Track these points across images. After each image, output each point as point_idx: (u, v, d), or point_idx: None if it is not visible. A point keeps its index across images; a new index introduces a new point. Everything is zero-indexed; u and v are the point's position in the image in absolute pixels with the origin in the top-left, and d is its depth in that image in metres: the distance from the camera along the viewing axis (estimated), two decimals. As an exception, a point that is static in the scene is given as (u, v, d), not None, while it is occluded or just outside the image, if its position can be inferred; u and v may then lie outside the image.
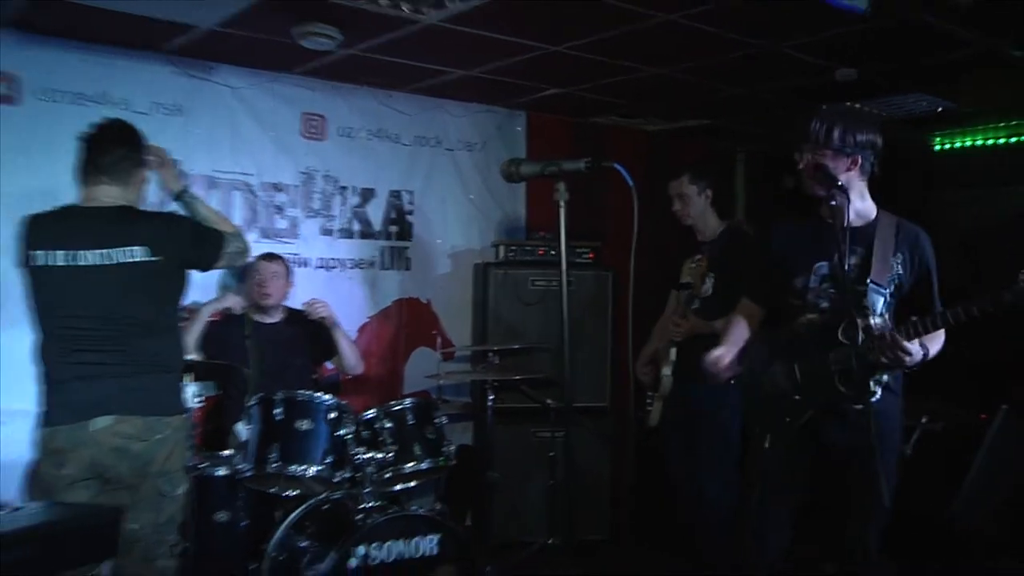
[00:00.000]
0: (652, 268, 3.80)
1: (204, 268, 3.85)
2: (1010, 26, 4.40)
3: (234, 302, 5.08)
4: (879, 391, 3.39)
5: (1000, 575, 4.32)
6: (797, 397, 3.52)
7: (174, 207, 3.98)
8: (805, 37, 4.59)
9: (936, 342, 3.31)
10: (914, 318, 3.21)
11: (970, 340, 3.34)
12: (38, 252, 3.46)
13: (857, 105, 5.89)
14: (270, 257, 5.19)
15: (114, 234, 3.47)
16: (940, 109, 6.14)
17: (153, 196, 4.26)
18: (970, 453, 4.24)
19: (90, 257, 3.43)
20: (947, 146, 7.00)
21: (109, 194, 3.57)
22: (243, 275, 5.11)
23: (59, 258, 3.43)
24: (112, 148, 3.60)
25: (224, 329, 5.09)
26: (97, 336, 3.44)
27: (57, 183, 4.84)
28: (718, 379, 3.69)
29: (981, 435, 4.30)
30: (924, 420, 4.48)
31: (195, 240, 3.71)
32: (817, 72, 5.18)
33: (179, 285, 3.73)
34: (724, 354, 3.68)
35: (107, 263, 3.44)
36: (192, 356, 4.76)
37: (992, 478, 4.23)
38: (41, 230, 3.52)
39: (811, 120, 3.43)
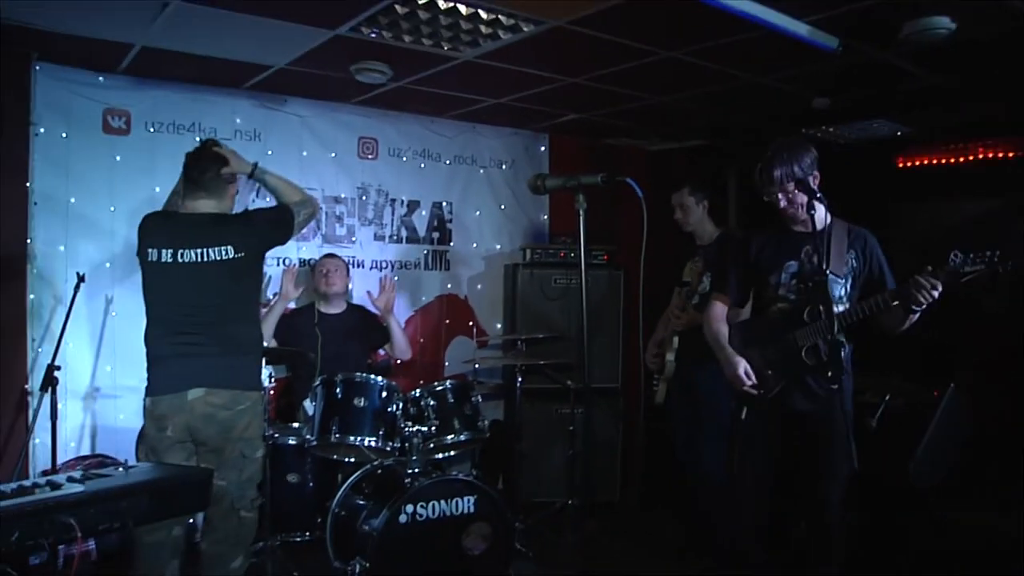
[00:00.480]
0: (657, 268, 3.81)
1: (284, 242, 3.87)
2: (951, 65, 4.42)
3: (295, 293, 5.17)
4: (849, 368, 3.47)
5: (949, 520, 4.35)
6: (769, 372, 3.59)
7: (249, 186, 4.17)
8: (787, 72, 4.61)
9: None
10: (876, 295, 3.32)
11: (924, 327, 3.35)
12: (151, 249, 3.56)
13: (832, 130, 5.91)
14: (331, 255, 5.35)
15: (209, 236, 3.56)
16: (900, 133, 6.13)
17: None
18: (925, 423, 4.27)
19: (190, 255, 3.53)
20: (906, 165, 6.98)
21: (206, 206, 3.66)
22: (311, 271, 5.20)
23: (167, 255, 3.54)
24: (207, 167, 3.68)
25: (296, 319, 5.17)
26: (193, 321, 3.52)
27: (161, 197, 5.05)
28: (756, 388, 3.60)
29: (934, 408, 4.33)
30: (887, 397, 4.49)
31: (271, 226, 3.78)
32: (797, 101, 5.19)
33: (258, 277, 3.83)
34: (739, 367, 3.62)
35: (203, 260, 3.53)
36: (269, 343, 4.86)
37: (942, 444, 4.26)
38: (153, 231, 3.62)
39: (771, 169, 3.50)
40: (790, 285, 3.58)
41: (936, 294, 3.11)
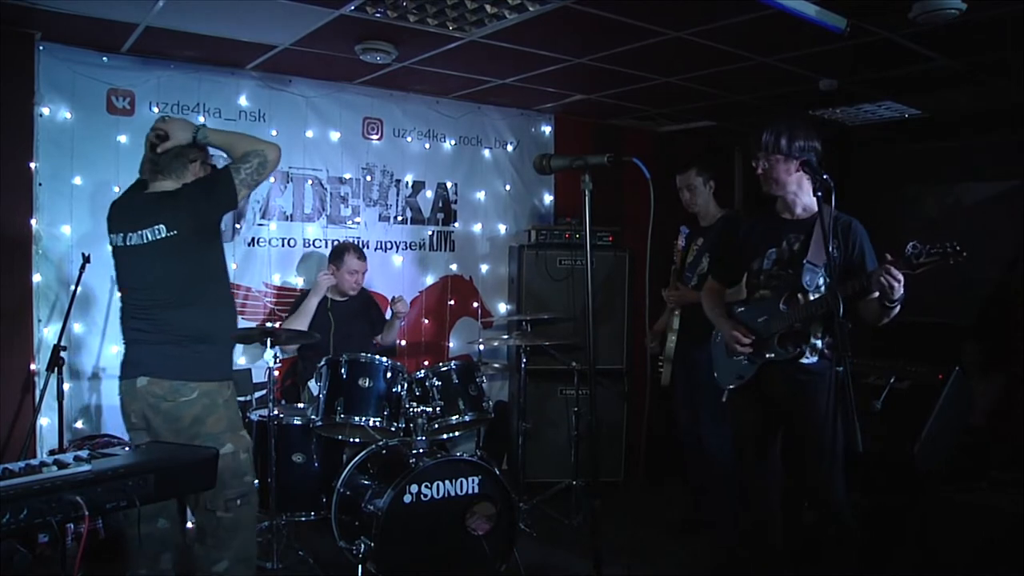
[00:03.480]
0: (662, 249, 3.81)
1: (232, 206, 3.42)
2: (965, 48, 4.39)
3: (328, 282, 5.13)
4: (815, 357, 3.50)
5: (950, 502, 4.38)
6: (745, 361, 3.64)
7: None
8: (793, 52, 4.58)
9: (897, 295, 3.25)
10: (852, 279, 3.32)
11: (931, 311, 3.36)
12: (110, 235, 3.46)
13: (818, 112, 5.90)
14: (362, 256, 5.21)
15: (146, 217, 3.32)
16: (907, 115, 6.10)
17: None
18: (929, 406, 4.28)
19: (133, 238, 3.34)
20: (913, 147, 6.97)
21: (164, 186, 3.42)
22: (338, 263, 5.14)
23: (118, 239, 3.41)
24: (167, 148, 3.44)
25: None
26: (139, 307, 3.38)
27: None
28: (752, 348, 3.62)
29: (939, 391, 4.34)
30: (892, 380, 4.50)
31: (203, 195, 3.37)
32: (803, 82, 5.16)
33: (207, 256, 3.43)
34: (734, 332, 3.63)
35: (143, 243, 3.32)
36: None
37: (946, 426, 4.27)
38: (112, 216, 3.50)
39: (762, 131, 3.48)
40: (770, 271, 3.60)
41: (898, 283, 3.12)
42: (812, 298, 3.42)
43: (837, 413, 3.31)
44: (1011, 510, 4.24)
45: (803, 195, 3.56)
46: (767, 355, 3.56)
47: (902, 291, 3.14)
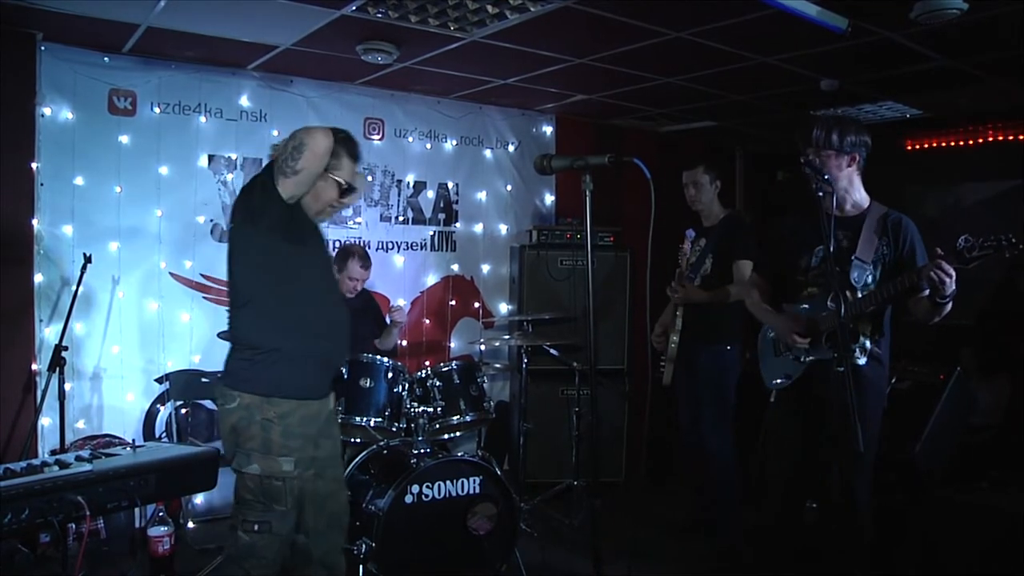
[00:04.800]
0: (663, 249, 3.80)
1: (282, 195, 3.01)
2: (966, 48, 4.39)
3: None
4: (864, 358, 3.43)
5: (949, 502, 4.38)
6: (792, 358, 3.57)
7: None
8: (794, 52, 4.58)
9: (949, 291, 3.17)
10: (890, 281, 3.25)
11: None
12: None
13: (839, 112, 5.88)
14: (366, 265, 5.05)
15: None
16: (908, 116, 6.10)
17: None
18: (930, 406, 4.29)
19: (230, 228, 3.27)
20: (914, 147, 6.98)
21: None
22: (340, 265, 4.99)
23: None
24: None
25: None
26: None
27: (167, 178, 5.04)
28: (802, 346, 3.51)
29: (939, 392, 4.34)
30: (894, 380, 4.50)
31: (250, 183, 3.17)
32: (805, 82, 5.16)
33: (256, 255, 3.08)
34: (786, 328, 3.54)
35: (229, 233, 3.25)
36: None
37: (947, 427, 4.27)
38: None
39: (813, 127, 3.43)
40: (819, 268, 3.53)
41: (949, 279, 3.07)
42: (860, 295, 3.38)
43: (882, 416, 3.26)
44: (1011, 510, 4.25)
45: (853, 191, 3.49)
46: (817, 355, 3.47)
47: (954, 287, 3.07)
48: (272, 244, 3.04)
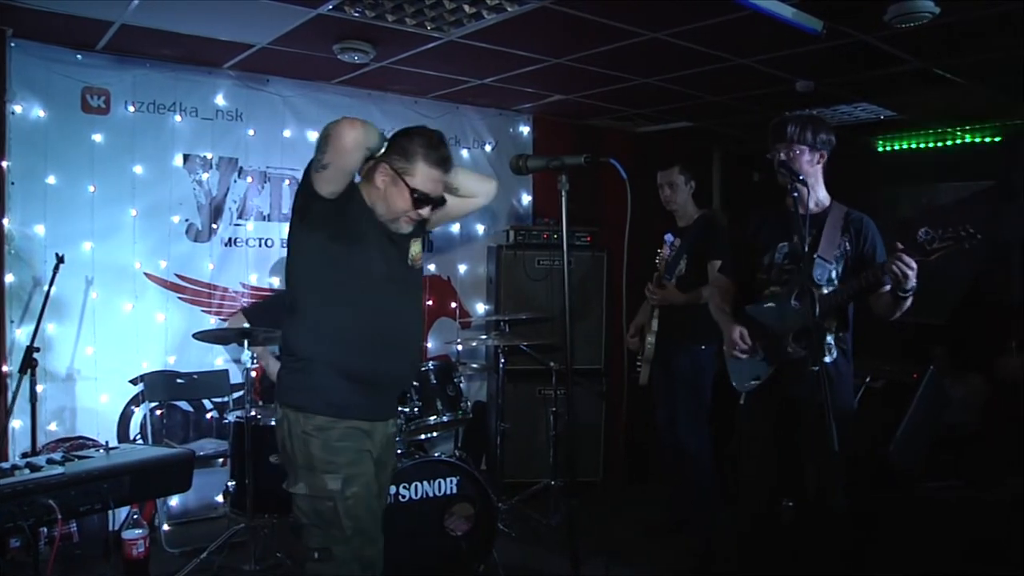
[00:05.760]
0: (640, 249, 3.80)
1: (317, 191, 2.72)
2: (937, 50, 4.43)
3: None
4: (832, 354, 3.45)
5: (924, 499, 4.42)
6: (760, 359, 3.58)
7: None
8: (770, 54, 4.61)
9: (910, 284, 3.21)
10: (853, 278, 3.32)
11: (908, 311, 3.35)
12: None
13: (814, 112, 5.91)
14: None
15: None
16: (882, 117, 6.16)
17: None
18: (904, 404, 4.32)
19: None
20: (888, 148, 7.05)
21: None
22: None
23: None
24: None
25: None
26: None
27: (141, 177, 4.99)
28: (749, 353, 3.56)
29: (913, 390, 4.38)
30: (868, 379, 4.54)
31: (303, 176, 2.80)
32: (781, 83, 5.19)
33: (302, 253, 2.87)
34: (736, 333, 3.57)
35: None
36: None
37: (920, 425, 4.31)
38: None
39: (787, 123, 3.47)
40: (781, 266, 3.56)
41: (911, 271, 3.11)
42: (824, 292, 3.40)
43: (856, 414, 3.28)
44: (986, 508, 4.29)
45: (818, 189, 3.53)
46: (784, 354, 3.49)
47: (915, 281, 3.12)
48: (316, 243, 2.80)
